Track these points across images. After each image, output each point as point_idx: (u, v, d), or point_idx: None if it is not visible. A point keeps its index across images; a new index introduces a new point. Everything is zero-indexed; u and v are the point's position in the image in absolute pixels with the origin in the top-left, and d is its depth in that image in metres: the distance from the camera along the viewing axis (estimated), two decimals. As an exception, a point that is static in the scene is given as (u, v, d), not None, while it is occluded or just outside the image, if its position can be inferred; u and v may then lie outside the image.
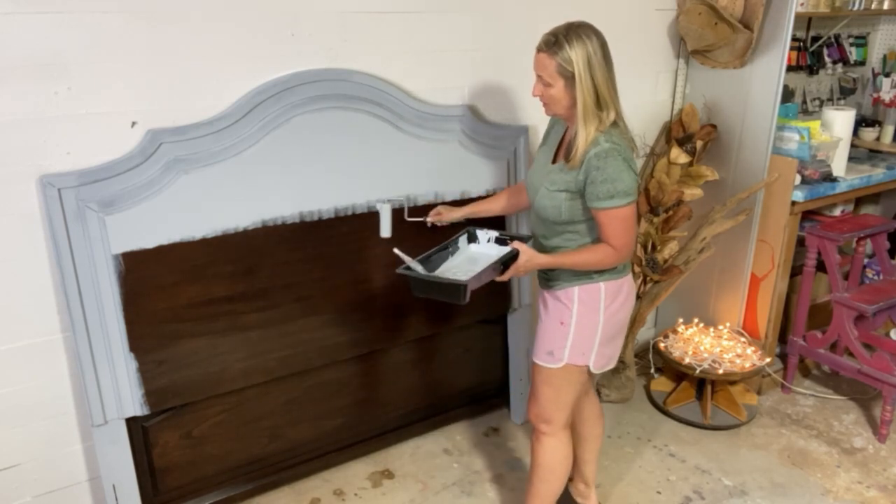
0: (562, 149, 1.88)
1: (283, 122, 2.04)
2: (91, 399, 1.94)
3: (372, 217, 2.20)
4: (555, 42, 1.71)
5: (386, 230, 2.18)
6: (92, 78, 1.79)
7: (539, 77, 1.77)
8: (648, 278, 2.86)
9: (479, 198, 2.33)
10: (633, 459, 2.59)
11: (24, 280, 1.87)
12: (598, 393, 2.91)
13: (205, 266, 2.02)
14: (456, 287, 1.77)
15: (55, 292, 1.91)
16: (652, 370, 3.11)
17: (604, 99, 1.72)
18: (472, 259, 2.00)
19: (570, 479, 2.31)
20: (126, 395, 1.99)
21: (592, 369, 1.92)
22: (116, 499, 2.04)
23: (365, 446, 2.54)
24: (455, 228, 2.12)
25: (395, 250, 1.88)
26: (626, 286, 1.91)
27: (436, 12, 2.26)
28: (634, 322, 2.88)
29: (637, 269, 2.87)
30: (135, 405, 2.01)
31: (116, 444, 2.01)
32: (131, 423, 2.03)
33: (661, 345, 2.89)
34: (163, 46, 1.85)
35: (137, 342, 1.97)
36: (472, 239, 2.07)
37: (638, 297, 2.88)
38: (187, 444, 2.16)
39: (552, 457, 2.00)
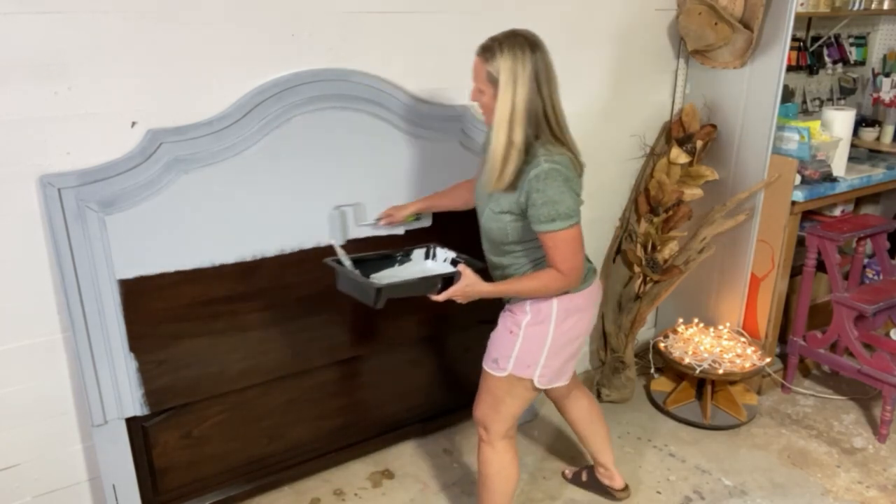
0: None
1: (283, 122, 2.04)
2: (91, 399, 1.94)
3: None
4: (488, 48, 1.67)
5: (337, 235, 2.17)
6: (92, 78, 1.78)
7: (474, 82, 1.73)
8: (648, 278, 2.86)
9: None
10: (633, 459, 2.59)
11: (24, 280, 1.87)
12: (599, 393, 2.91)
13: (205, 266, 2.02)
14: (370, 289, 1.75)
15: (55, 292, 1.91)
16: (652, 370, 3.11)
17: (518, 115, 1.63)
18: (421, 273, 1.96)
19: (593, 465, 2.35)
20: (126, 395, 1.99)
21: (536, 384, 1.87)
22: (116, 499, 2.05)
23: (365, 446, 2.54)
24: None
25: (332, 242, 1.96)
26: (583, 301, 1.85)
27: (436, 12, 2.26)
28: (634, 322, 2.88)
29: (637, 269, 2.87)
30: (135, 405, 2.01)
31: (116, 444, 2.01)
32: (131, 423, 2.03)
33: (661, 345, 2.89)
34: (163, 46, 1.85)
35: (137, 342, 1.97)
36: (431, 256, 2.05)
37: (638, 297, 2.88)
38: (187, 444, 2.16)
39: (487, 467, 1.97)
